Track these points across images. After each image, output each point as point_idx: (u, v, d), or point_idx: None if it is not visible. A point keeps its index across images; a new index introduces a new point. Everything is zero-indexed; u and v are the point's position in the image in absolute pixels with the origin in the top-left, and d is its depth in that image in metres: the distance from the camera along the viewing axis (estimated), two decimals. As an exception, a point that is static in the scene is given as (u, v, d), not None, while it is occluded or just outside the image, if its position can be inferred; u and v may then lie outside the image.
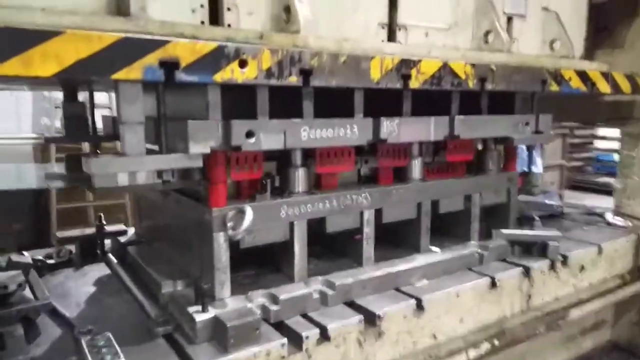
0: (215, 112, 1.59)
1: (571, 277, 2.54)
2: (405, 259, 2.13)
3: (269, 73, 1.58)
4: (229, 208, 1.67)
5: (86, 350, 1.41)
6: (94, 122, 2.44)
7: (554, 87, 2.43)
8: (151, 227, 2.34)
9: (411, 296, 1.95)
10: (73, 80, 2.04)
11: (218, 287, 1.70)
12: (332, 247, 2.21)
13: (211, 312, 1.60)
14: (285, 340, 1.59)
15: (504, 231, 2.46)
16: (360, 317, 1.76)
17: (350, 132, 1.83)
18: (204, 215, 1.69)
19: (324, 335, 1.68)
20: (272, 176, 1.83)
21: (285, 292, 1.76)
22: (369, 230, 2.04)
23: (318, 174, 1.99)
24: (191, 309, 1.61)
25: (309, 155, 1.92)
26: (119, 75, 1.33)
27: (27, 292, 1.79)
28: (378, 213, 2.07)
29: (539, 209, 3.34)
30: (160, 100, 1.55)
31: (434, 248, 2.26)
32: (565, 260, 2.47)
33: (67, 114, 2.30)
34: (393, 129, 1.94)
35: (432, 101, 2.16)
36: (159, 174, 1.55)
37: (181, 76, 1.42)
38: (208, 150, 1.54)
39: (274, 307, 1.71)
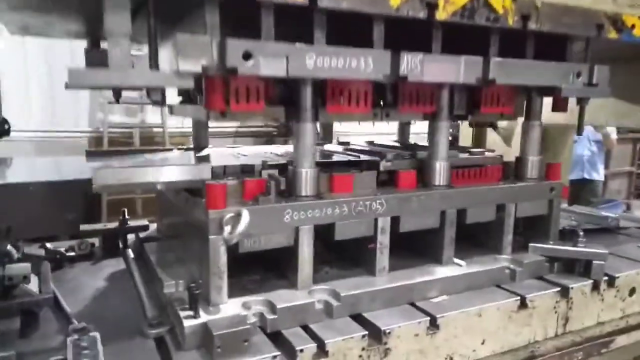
0: (214, 33, 1.49)
1: (619, 300, 2.27)
2: (424, 271, 1.98)
3: None
4: (227, 210, 1.60)
5: (67, 351, 1.39)
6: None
7: (612, 34, 2.14)
8: (167, 225, 2.33)
9: (425, 312, 1.81)
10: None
11: (214, 292, 1.63)
12: (346, 255, 2.09)
13: (203, 318, 1.54)
14: (277, 352, 1.50)
15: (542, 246, 2.24)
16: (364, 332, 1.64)
17: (364, 64, 1.66)
18: (202, 216, 1.63)
19: (322, 350, 1.57)
20: (277, 178, 1.74)
21: (285, 301, 1.67)
22: (383, 240, 1.90)
23: (333, 180, 1.87)
24: (183, 314, 1.56)
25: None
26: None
27: (34, 286, 1.80)
28: (395, 221, 1.93)
29: (592, 221, 3.06)
30: (150, 18, 1.46)
31: (458, 261, 2.09)
32: (612, 281, 2.22)
33: (89, 62, 2.18)
34: (415, 66, 1.75)
35: (468, 45, 1.95)
36: (148, 93, 1.48)
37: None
38: (199, 69, 1.44)
39: (271, 316, 1.63)
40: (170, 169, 1.65)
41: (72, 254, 2.29)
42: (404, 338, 1.71)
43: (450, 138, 3.84)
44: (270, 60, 1.51)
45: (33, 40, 5.69)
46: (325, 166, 2.07)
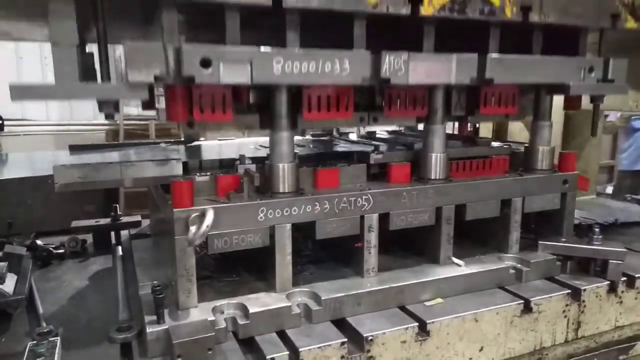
0: (172, 39, 1.38)
1: (640, 303, 2.07)
2: (417, 272, 1.84)
3: None
4: (194, 209, 1.50)
5: (24, 356, 1.33)
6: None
7: (630, 24, 1.93)
8: (154, 222, 2.26)
9: (415, 317, 1.67)
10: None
11: (182, 295, 1.54)
12: (337, 254, 1.97)
13: (167, 324, 1.45)
14: (244, 362, 1.40)
15: (552, 243, 2.06)
16: (344, 339, 1.52)
17: (339, 67, 1.51)
18: (170, 215, 1.53)
19: (296, 358, 1.46)
20: (252, 174, 1.63)
21: (259, 305, 1.57)
22: (371, 239, 1.77)
23: (316, 174, 1.75)
24: (148, 318, 1.48)
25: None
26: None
27: (11, 285, 1.76)
28: (385, 218, 1.79)
29: (628, 217, 2.83)
30: (98, 20, 1.36)
31: (456, 260, 1.93)
32: (632, 281, 2.02)
33: (80, 66, 2.21)
34: (399, 67, 1.59)
35: (468, 40, 1.80)
36: (100, 106, 1.39)
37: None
38: (151, 79, 1.32)
39: (243, 321, 1.53)
40: (136, 166, 1.56)
41: (61, 251, 2.24)
42: (390, 345, 1.58)
43: (470, 129, 3.64)
44: (232, 66, 1.39)
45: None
46: (312, 159, 1.95)
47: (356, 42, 1.59)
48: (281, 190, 1.65)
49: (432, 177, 1.89)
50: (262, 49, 1.43)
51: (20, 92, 1.26)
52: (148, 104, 2.03)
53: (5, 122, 4.29)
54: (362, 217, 1.74)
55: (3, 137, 5.67)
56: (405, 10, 1.55)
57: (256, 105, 1.69)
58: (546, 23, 1.79)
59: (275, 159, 1.64)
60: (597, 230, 2.04)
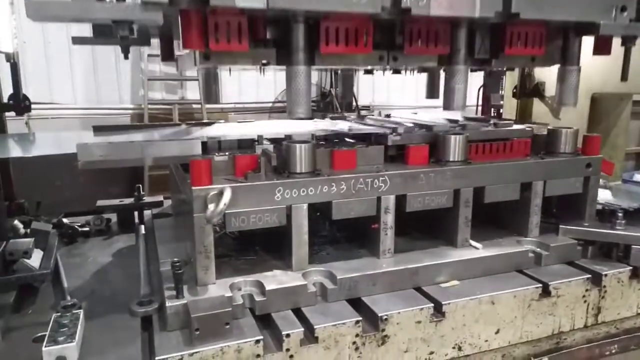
0: None
1: (664, 289, 2.03)
2: (434, 254, 1.84)
3: None
4: (212, 188, 1.52)
5: (49, 327, 1.38)
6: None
7: None
8: (175, 201, 2.30)
9: (430, 298, 1.68)
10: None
11: (201, 271, 1.58)
12: (355, 235, 1.98)
13: (186, 299, 1.49)
14: (259, 337, 1.42)
15: (574, 228, 2.03)
16: (358, 318, 1.53)
17: None
18: (189, 193, 1.56)
19: (311, 335, 1.49)
20: (270, 154, 1.65)
21: (276, 282, 1.59)
22: (387, 220, 1.77)
23: (333, 155, 1.76)
24: (167, 293, 1.52)
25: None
26: None
27: (38, 260, 1.82)
28: (402, 199, 1.79)
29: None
30: None
31: (474, 243, 1.92)
32: (656, 268, 1.98)
33: None
34: None
35: None
36: (115, 29, 1.39)
37: None
38: (166, 0, 1.32)
39: (260, 298, 1.56)
40: (156, 145, 1.59)
41: (87, 229, 2.31)
42: (404, 325, 1.59)
43: (494, 114, 3.56)
44: None
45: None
46: (330, 140, 1.96)
47: None
48: (298, 171, 1.66)
49: (451, 159, 1.88)
50: None
51: (36, 9, 1.26)
52: (167, 55, 2.01)
53: (33, 105, 4.38)
54: (378, 199, 1.74)
55: (31, 119, 5.82)
56: None
57: (273, 40, 1.65)
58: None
59: (292, 139, 1.65)
60: (620, 215, 2.00)
